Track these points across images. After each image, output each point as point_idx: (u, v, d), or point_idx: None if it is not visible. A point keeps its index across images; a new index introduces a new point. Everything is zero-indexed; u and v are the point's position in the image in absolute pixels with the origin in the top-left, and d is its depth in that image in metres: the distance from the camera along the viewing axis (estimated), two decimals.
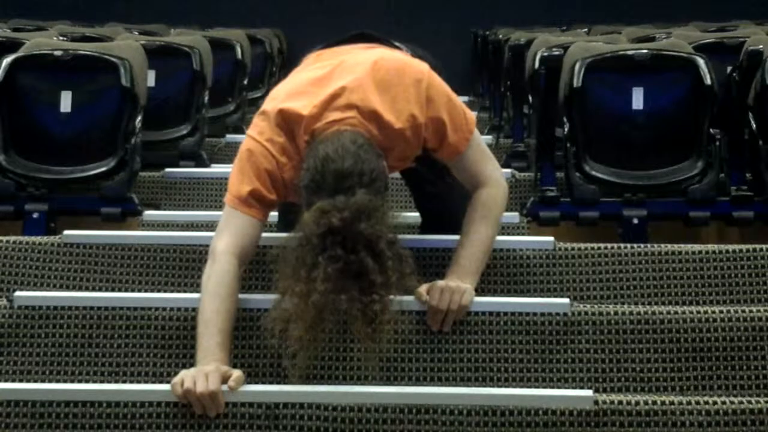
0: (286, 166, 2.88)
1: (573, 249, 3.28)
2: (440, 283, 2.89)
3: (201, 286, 2.81)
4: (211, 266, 2.82)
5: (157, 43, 5.35)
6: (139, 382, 2.87)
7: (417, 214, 3.54)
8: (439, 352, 2.90)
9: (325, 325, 2.64)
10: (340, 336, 2.92)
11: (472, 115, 3.04)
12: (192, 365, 2.72)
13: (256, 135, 2.91)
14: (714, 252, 3.26)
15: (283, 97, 2.95)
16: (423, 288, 2.87)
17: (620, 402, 2.60)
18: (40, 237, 3.37)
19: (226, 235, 2.86)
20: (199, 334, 2.73)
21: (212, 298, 2.76)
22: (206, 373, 2.60)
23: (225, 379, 2.61)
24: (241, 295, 3.01)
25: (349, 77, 2.90)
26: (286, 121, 2.88)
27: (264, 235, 2.97)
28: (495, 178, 3.01)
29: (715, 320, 2.91)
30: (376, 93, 2.87)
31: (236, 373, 2.64)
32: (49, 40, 5.03)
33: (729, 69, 4.38)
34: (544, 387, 2.85)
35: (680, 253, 3.26)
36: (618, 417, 2.58)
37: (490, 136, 5.79)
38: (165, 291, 3.18)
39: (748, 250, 3.26)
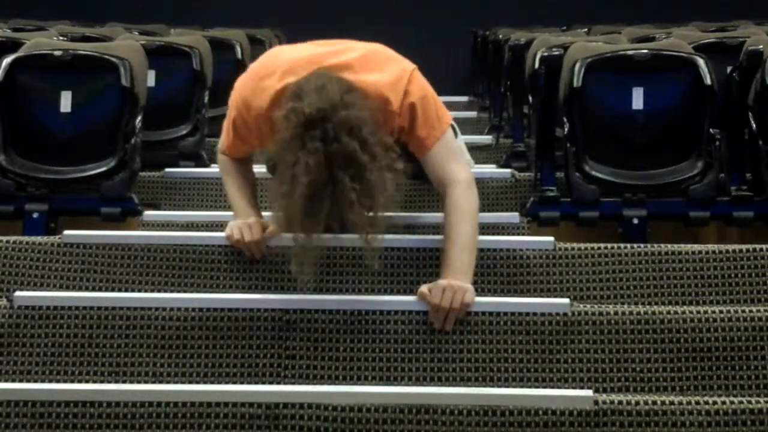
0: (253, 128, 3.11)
1: (573, 249, 3.28)
2: (442, 282, 2.91)
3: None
4: (218, 161, 3.36)
5: (157, 43, 5.34)
6: (139, 382, 2.87)
7: (417, 214, 3.54)
8: (439, 352, 2.90)
9: (320, 221, 2.79)
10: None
11: (449, 117, 3.17)
12: (193, 366, 2.72)
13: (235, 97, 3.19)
14: (714, 252, 3.26)
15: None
16: (425, 287, 2.91)
17: (620, 402, 2.60)
18: (40, 237, 3.37)
19: (221, 143, 3.31)
20: (231, 201, 3.29)
21: (227, 176, 3.29)
22: (250, 225, 3.17)
23: (263, 229, 3.15)
24: (240, 295, 3.03)
25: (344, 56, 3.08)
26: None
27: None
28: (460, 179, 3.10)
29: (715, 320, 2.91)
30: (360, 69, 3.02)
31: (271, 226, 3.13)
32: (49, 40, 5.02)
33: (729, 69, 4.38)
34: (544, 387, 2.85)
35: (680, 253, 3.26)
36: (618, 417, 2.58)
37: (490, 136, 5.78)
38: (165, 291, 3.18)
39: (748, 250, 3.26)
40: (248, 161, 3.32)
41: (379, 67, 3.08)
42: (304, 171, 2.74)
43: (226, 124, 3.23)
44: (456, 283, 2.92)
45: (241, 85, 3.16)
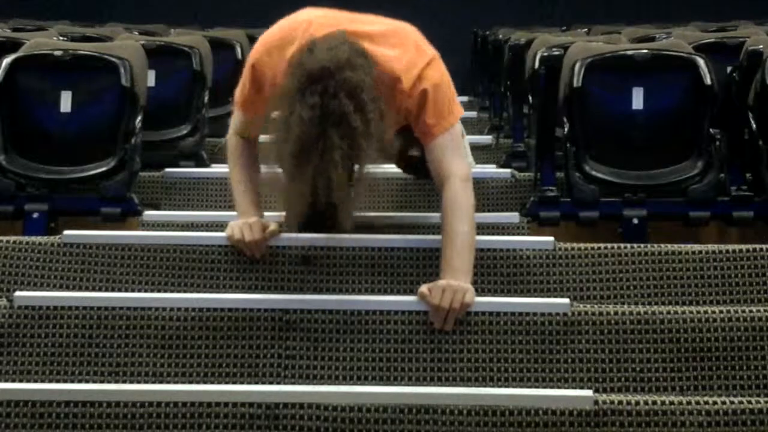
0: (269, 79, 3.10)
1: (573, 249, 3.28)
2: (442, 282, 2.91)
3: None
4: (227, 147, 3.33)
5: (157, 43, 5.34)
6: (139, 382, 2.87)
7: (417, 214, 3.54)
8: (439, 352, 2.90)
9: (308, 177, 2.80)
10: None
11: (460, 111, 3.18)
12: (193, 366, 2.72)
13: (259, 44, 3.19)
14: (714, 252, 3.26)
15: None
16: (425, 287, 2.91)
17: (620, 402, 2.60)
18: (40, 237, 3.37)
19: (232, 122, 3.32)
20: (234, 198, 3.28)
21: (234, 169, 3.28)
22: (251, 224, 3.17)
23: (264, 229, 3.15)
24: (240, 295, 3.03)
25: (367, 26, 3.11)
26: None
27: None
28: (458, 174, 3.10)
29: (715, 320, 2.91)
30: (380, 42, 3.05)
31: (273, 226, 3.16)
32: (49, 40, 5.02)
33: (729, 69, 4.38)
34: (544, 387, 2.85)
35: (680, 253, 3.26)
36: (618, 417, 2.58)
37: (490, 136, 5.78)
38: (165, 291, 3.18)
39: (748, 250, 3.26)
40: (255, 149, 3.30)
41: (399, 45, 3.10)
42: (298, 122, 2.77)
43: (241, 82, 3.22)
44: (455, 283, 2.92)
45: (267, 37, 3.18)
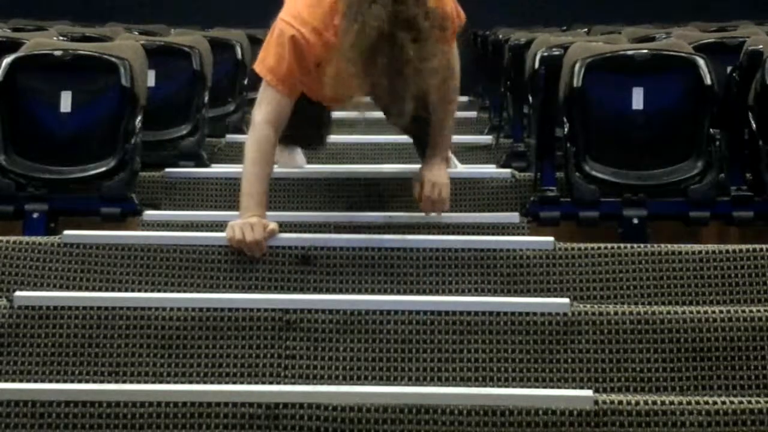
0: (315, 47, 3.21)
1: (573, 249, 3.28)
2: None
3: (244, 151, 3.32)
4: (251, 135, 3.34)
5: (157, 43, 5.34)
6: (139, 382, 2.88)
7: (419, 213, 3.54)
8: (439, 352, 2.90)
9: (377, 68, 2.95)
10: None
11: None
12: (193, 366, 2.72)
13: (290, 18, 3.26)
14: (714, 252, 3.26)
15: None
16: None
17: (620, 402, 2.60)
18: (40, 237, 3.37)
19: (264, 106, 3.33)
20: (242, 193, 3.29)
21: (252, 164, 3.29)
22: (251, 224, 3.18)
23: (264, 229, 3.17)
24: (240, 295, 3.03)
25: None
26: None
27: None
28: (458, 71, 3.56)
29: (715, 320, 2.91)
30: None
31: (272, 225, 3.20)
32: (49, 40, 5.02)
33: (729, 69, 4.37)
34: (544, 387, 2.85)
35: (680, 253, 3.27)
36: (618, 417, 2.58)
37: (490, 136, 5.78)
38: (165, 291, 3.18)
39: (748, 250, 3.26)
40: (277, 136, 3.34)
41: None
42: (369, 23, 2.91)
43: (274, 58, 3.28)
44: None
45: (294, 8, 3.28)
